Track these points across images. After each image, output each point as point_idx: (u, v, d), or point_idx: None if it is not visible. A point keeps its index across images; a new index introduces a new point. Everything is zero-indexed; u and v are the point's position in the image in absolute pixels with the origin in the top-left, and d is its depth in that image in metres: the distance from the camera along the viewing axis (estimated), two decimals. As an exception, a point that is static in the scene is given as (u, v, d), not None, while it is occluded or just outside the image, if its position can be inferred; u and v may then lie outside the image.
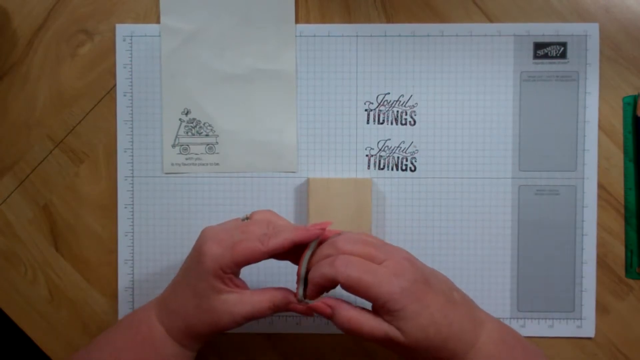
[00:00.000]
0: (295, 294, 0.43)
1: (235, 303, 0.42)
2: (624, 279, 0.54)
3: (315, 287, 0.41)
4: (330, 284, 0.41)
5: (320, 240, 0.43)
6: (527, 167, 0.54)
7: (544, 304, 0.54)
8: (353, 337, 0.54)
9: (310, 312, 0.43)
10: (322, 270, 0.41)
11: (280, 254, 0.43)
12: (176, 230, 0.55)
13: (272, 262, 0.45)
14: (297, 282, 0.43)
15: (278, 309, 0.43)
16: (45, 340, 0.55)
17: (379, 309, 0.40)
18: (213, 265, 0.42)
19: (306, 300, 0.42)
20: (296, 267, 0.43)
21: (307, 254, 0.42)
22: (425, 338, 0.40)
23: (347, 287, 0.40)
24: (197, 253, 0.43)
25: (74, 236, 0.55)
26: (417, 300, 0.40)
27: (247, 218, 0.46)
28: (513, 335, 0.43)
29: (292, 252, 0.43)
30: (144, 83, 0.54)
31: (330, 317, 0.41)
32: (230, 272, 0.42)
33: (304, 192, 0.54)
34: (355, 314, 0.41)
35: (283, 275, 0.54)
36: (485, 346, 0.41)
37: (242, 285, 0.44)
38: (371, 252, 0.41)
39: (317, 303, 0.42)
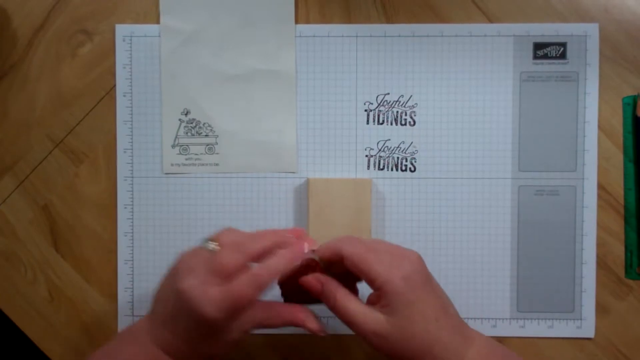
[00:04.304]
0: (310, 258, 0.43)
1: (244, 322, 0.42)
2: (623, 280, 0.54)
3: (323, 261, 0.43)
4: (336, 257, 0.42)
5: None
6: (527, 167, 0.54)
7: (543, 304, 0.54)
8: (354, 337, 0.54)
9: (321, 328, 0.43)
10: (329, 243, 0.42)
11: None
12: (176, 230, 0.55)
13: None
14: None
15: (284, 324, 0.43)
16: (45, 340, 0.55)
17: (375, 292, 0.41)
18: (220, 323, 0.40)
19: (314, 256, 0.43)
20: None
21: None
22: (412, 334, 0.39)
23: (350, 262, 0.41)
24: (193, 316, 0.40)
25: (74, 236, 0.55)
26: (414, 290, 0.40)
27: (211, 243, 0.43)
28: (502, 351, 0.43)
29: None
30: (143, 83, 0.54)
31: (320, 292, 0.42)
32: (234, 316, 0.41)
33: (304, 193, 0.54)
34: (344, 293, 0.41)
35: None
36: None
37: None
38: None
39: (308, 277, 0.42)
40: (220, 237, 0.43)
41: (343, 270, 0.42)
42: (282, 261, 0.42)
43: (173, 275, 0.42)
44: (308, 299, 0.43)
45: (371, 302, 0.41)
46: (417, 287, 0.40)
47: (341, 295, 0.41)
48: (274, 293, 0.55)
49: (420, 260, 0.42)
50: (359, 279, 0.43)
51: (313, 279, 0.42)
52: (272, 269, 0.41)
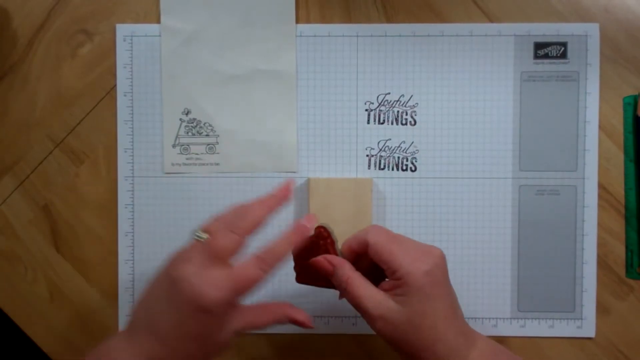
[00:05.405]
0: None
1: (233, 321, 0.41)
2: (624, 279, 0.54)
3: (347, 250, 0.43)
4: (360, 247, 0.42)
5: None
6: (528, 167, 0.54)
7: (544, 304, 0.54)
8: (354, 337, 0.54)
9: (308, 321, 0.42)
10: (356, 234, 0.42)
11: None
12: (176, 230, 0.54)
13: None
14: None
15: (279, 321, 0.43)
16: (45, 340, 0.55)
17: (394, 282, 0.40)
18: (221, 310, 0.39)
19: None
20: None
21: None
22: (419, 327, 0.39)
23: (373, 251, 0.41)
24: (191, 304, 0.39)
25: (74, 236, 0.55)
26: (433, 286, 0.40)
27: (201, 234, 0.42)
28: (506, 353, 0.43)
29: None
30: (144, 83, 0.54)
31: (331, 274, 0.42)
32: (234, 305, 0.41)
33: (305, 192, 0.54)
34: (357, 276, 0.41)
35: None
36: None
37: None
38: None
39: (319, 258, 0.42)
40: (208, 226, 0.42)
41: (367, 266, 0.42)
42: (285, 244, 0.42)
43: (165, 274, 0.41)
44: (319, 281, 0.43)
45: (383, 288, 0.41)
46: (437, 284, 0.40)
47: (353, 278, 0.41)
48: (267, 293, 0.55)
49: (443, 258, 0.42)
50: (382, 277, 0.42)
51: (324, 261, 0.42)
52: (277, 252, 0.41)
